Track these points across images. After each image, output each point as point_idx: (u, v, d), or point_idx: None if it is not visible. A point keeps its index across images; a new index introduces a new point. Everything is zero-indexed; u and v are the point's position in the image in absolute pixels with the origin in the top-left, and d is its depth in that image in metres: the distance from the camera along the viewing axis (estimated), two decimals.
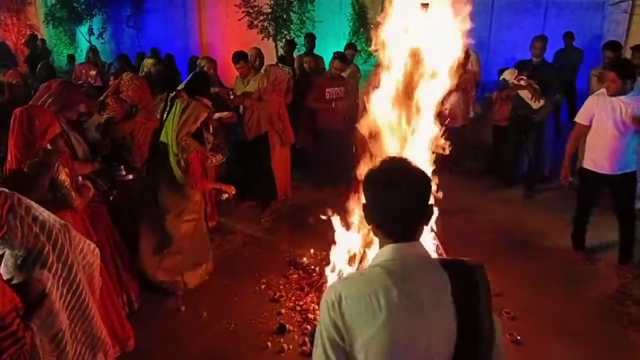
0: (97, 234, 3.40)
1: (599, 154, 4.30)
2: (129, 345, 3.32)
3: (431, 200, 1.50)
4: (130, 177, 4.09)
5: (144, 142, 4.41)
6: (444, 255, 3.83)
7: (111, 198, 3.68)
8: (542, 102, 5.66)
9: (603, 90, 4.22)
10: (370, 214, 1.47)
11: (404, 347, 1.34)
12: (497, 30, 9.50)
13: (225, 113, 5.19)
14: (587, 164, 4.42)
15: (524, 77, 5.67)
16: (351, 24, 10.85)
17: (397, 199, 1.41)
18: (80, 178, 3.26)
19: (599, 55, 6.00)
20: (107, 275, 3.30)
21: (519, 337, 3.54)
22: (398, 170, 1.45)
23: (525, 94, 5.73)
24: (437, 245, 3.86)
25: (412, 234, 1.43)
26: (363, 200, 1.50)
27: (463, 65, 6.62)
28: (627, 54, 7.08)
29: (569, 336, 3.59)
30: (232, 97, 5.47)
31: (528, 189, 6.09)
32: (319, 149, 6.25)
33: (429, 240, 3.75)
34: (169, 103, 4.58)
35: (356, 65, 7.43)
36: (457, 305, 1.37)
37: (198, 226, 4.13)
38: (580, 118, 4.38)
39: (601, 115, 4.22)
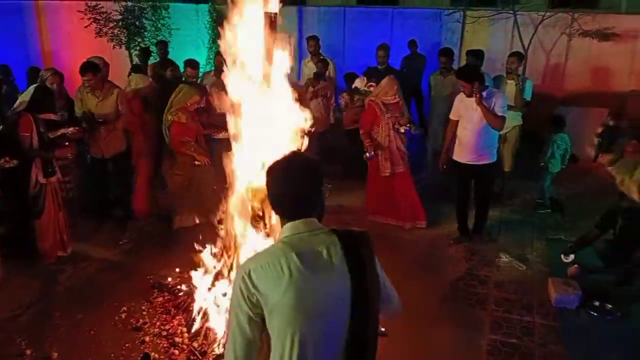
0: None
1: (464, 147, 4.89)
2: None
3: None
4: None
5: None
6: None
7: None
8: None
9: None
10: (271, 200, 1.71)
11: (307, 304, 1.53)
12: (350, 39, 10.00)
13: (70, 128, 4.76)
14: (456, 156, 4.99)
15: (373, 84, 6.04)
16: (210, 31, 10.63)
17: (286, 183, 1.66)
18: None
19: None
20: None
21: (383, 329, 3.71)
22: (288, 160, 1.71)
23: None
24: None
25: (304, 212, 1.66)
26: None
27: (322, 73, 6.87)
28: (463, 58, 7.91)
29: (428, 321, 3.87)
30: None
31: None
32: None
33: None
34: None
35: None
36: (350, 266, 1.60)
37: (192, 183, 5.12)
38: (452, 115, 5.01)
39: (463, 113, 4.83)
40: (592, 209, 5.25)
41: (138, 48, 9.15)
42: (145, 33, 9.85)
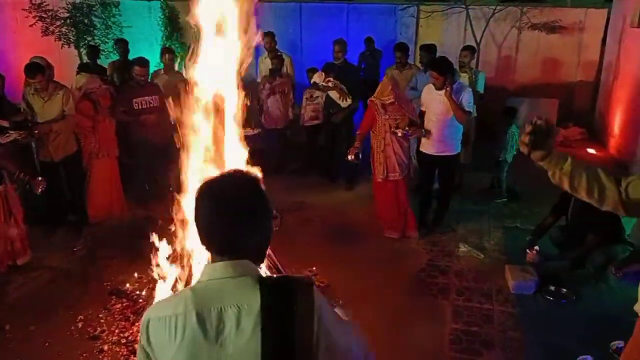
0: None
1: (430, 139, 4.99)
2: None
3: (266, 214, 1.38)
4: None
5: None
6: (275, 262, 3.88)
7: None
8: (349, 100, 6.09)
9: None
10: (197, 229, 1.37)
11: None
12: (308, 34, 9.97)
13: (21, 133, 4.57)
14: (422, 147, 5.11)
15: (331, 79, 6.04)
16: (163, 28, 10.38)
17: (208, 214, 1.33)
18: None
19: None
20: None
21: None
22: (221, 181, 1.36)
23: (334, 94, 6.11)
24: (267, 253, 3.87)
25: (233, 250, 1.32)
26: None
27: (278, 69, 6.82)
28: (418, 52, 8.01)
29: (391, 313, 3.91)
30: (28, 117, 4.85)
31: (348, 182, 6.51)
32: (134, 164, 5.82)
33: None
34: None
35: (176, 72, 7.07)
36: (263, 328, 1.25)
37: None
38: (423, 106, 5.09)
39: (429, 105, 4.94)
40: (546, 196, 5.41)
41: (87, 46, 8.82)
42: (95, 31, 9.52)
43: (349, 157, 4.96)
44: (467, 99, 4.80)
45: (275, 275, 1.39)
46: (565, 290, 4.18)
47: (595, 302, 4.06)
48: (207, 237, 1.35)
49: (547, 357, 3.45)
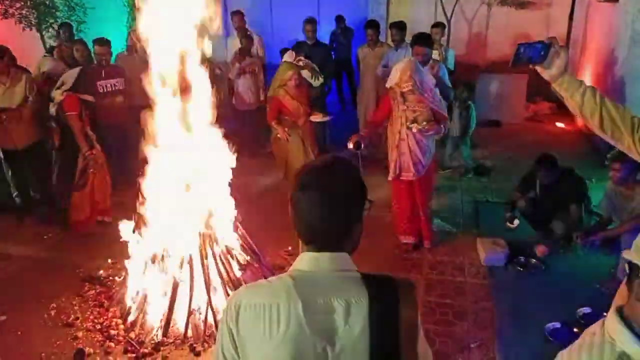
0: None
1: None
2: None
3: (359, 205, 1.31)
4: None
5: None
6: (251, 244, 3.87)
7: None
8: (321, 79, 6.05)
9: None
10: (294, 218, 1.29)
11: None
12: (278, 14, 9.84)
13: None
14: None
15: (302, 58, 5.98)
16: (129, 9, 10.08)
17: (312, 205, 1.24)
18: None
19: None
20: None
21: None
22: (320, 173, 1.29)
23: (305, 73, 6.05)
24: (242, 235, 3.87)
25: (336, 243, 1.28)
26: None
27: (248, 49, 6.72)
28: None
29: None
30: None
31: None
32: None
33: (231, 229, 3.75)
34: None
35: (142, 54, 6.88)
36: (372, 327, 1.21)
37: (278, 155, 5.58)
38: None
39: None
40: (514, 170, 5.54)
41: (50, 29, 8.51)
42: (57, 13, 9.19)
43: (349, 145, 4.18)
44: (446, 75, 5.02)
45: (377, 274, 1.31)
46: (534, 260, 4.30)
47: (563, 272, 4.18)
48: (310, 231, 1.28)
49: (518, 325, 3.55)
